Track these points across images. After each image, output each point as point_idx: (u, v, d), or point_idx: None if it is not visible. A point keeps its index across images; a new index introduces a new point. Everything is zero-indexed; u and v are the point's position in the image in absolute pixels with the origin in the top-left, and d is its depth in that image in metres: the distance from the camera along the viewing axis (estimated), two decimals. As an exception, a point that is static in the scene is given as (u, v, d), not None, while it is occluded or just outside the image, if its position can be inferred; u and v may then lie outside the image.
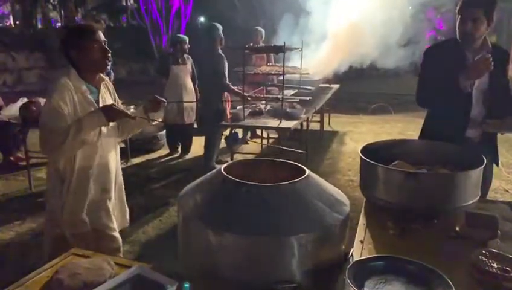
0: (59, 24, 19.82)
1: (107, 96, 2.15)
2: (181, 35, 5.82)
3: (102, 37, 2.00)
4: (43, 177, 4.99)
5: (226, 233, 1.32)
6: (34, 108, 4.44)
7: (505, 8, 15.17)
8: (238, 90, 4.94)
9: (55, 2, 19.30)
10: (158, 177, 5.07)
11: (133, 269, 1.34)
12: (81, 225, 2.08)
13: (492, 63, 2.13)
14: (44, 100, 1.96)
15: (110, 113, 1.90)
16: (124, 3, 15.83)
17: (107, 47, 2.01)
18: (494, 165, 2.48)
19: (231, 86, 4.98)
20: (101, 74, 2.10)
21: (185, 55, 5.56)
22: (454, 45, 2.33)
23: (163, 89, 5.44)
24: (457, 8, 2.26)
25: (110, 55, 2.02)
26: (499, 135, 2.45)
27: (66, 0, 17.00)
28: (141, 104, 2.19)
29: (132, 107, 4.82)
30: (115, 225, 2.25)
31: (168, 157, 5.84)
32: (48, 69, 13.45)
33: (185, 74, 5.50)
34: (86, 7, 19.18)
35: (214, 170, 1.63)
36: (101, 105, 2.04)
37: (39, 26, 18.98)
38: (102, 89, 2.10)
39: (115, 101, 2.22)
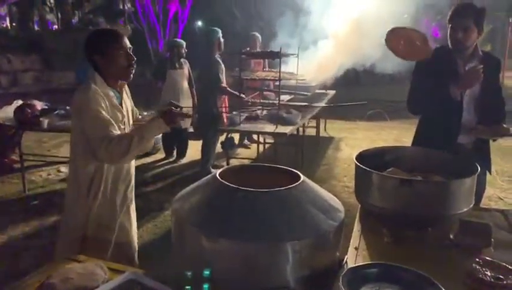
0: (55, 26, 19.81)
1: (127, 101, 2.13)
2: (178, 40, 5.83)
3: (128, 43, 1.95)
4: (37, 180, 4.97)
5: (220, 238, 1.31)
6: (29, 110, 4.41)
7: (499, 17, 15.35)
8: (234, 92, 4.99)
9: (52, 5, 19.29)
10: (153, 181, 5.05)
11: (126, 275, 1.33)
12: (107, 229, 2.05)
13: (482, 74, 2.16)
14: (76, 112, 1.91)
15: (169, 118, 1.88)
16: (121, 7, 15.83)
17: (132, 54, 1.96)
18: (489, 173, 2.49)
19: (228, 88, 5.01)
20: None
21: (182, 60, 5.56)
22: (446, 52, 2.37)
23: (160, 93, 5.45)
24: (448, 17, 2.30)
25: (134, 62, 1.97)
26: (491, 142, 2.46)
27: (63, 2, 17.00)
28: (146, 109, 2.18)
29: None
30: (134, 229, 2.21)
31: (164, 161, 5.83)
32: (44, 72, 13.42)
33: (182, 78, 5.51)
34: (83, 10, 19.19)
35: (209, 175, 1.63)
36: (124, 110, 2.02)
37: (36, 28, 18.95)
38: (124, 94, 2.08)
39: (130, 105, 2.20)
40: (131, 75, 1.98)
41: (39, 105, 4.69)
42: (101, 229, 2.03)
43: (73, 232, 2.01)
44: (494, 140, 2.41)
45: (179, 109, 1.94)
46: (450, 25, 2.30)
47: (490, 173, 2.49)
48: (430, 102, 2.34)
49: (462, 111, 2.33)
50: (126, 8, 14.82)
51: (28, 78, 13.16)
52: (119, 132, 1.88)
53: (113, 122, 1.88)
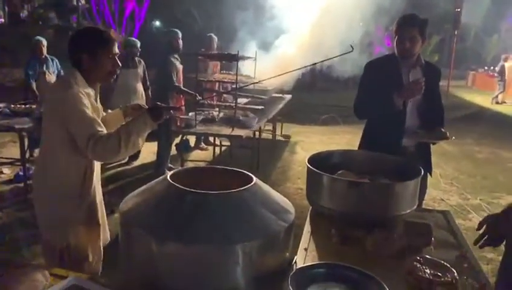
0: (2, 20, 18.73)
1: (98, 98, 2.09)
2: (132, 39, 5.71)
3: (117, 49, 1.93)
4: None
5: (169, 242, 1.29)
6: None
7: (447, 29, 16.30)
8: (188, 91, 4.98)
9: (-1, -3, 18.23)
10: (104, 183, 4.85)
11: (69, 280, 1.28)
12: (95, 233, 2.01)
13: (424, 86, 2.32)
14: (60, 112, 1.81)
15: (156, 115, 1.84)
16: (75, 3, 15.22)
17: (118, 61, 1.94)
18: (435, 177, 2.64)
19: (181, 87, 5.01)
20: None
21: (137, 59, 5.43)
22: (391, 60, 2.50)
23: (111, 93, 5.29)
24: (395, 28, 2.43)
25: (119, 69, 1.95)
26: (435, 146, 2.61)
27: (11, -5, 16.12)
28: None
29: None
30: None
31: (115, 164, 5.64)
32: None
33: (135, 78, 5.38)
34: (32, 4, 18.28)
35: (159, 177, 1.60)
36: (100, 109, 1.99)
37: (-20, 21, 17.80)
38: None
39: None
40: (112, 80, 1.98)
41: (-20, 103, 4.41)
42: (90, 232, 2.00)
43: (61, 238, 1.93)
44: (433, 143, 2.56)
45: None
46: (396, 36, 2.43)
47: (431, 175, 2.63)
48: (375, 107, 2.45)
49: (405, 116, 2.46)
50: (80, 4, 14.28)
51: (-33, 73, 12.31)
52: (105, 130, 1.82)
53: (98, 120, 1.84)
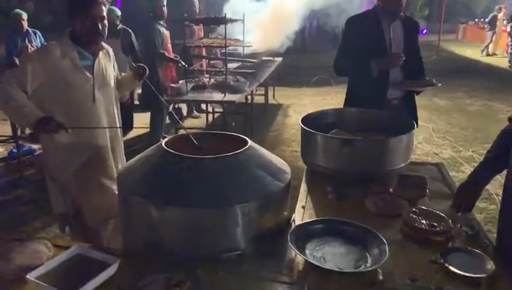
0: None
1: (107, 64, 2.09)
2: (111, 8, 5.50)
3: (100, 13, 1.90)
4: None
5: (168, 207, 1.31)
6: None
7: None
8: (173, 58, 4.88)
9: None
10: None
11: (72, 249, 1.30)
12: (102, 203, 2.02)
13: (403, 59, 2.35)
14: None
15: (42, 125, 1.80)
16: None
17: (101, 24, 1.92)
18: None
19: (166, 54, 4.91)
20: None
21: (122, 29, 5.26)
22: (372, 15, 2.48)
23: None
24: None
25: (102, 33, 1.94)
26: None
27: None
28: None
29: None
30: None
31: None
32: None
33: (115, 48, 5.20)
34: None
35: (154, 145, 1.60)
36: (95, 71, 1.99)
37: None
38: (101, 56, 2.04)
39: (114, 68, 2.19)
40: (100, 42, 1.98)
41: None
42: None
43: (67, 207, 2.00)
44: (417, 93, 2.59)
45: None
46: None
47: (417, 126, 2.66)
48: (353, 69, 2.46)
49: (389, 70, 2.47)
50: (57, -27, 13.71)
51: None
52: (16, 89, 1.80)
53: (28, 78, 1.83)
